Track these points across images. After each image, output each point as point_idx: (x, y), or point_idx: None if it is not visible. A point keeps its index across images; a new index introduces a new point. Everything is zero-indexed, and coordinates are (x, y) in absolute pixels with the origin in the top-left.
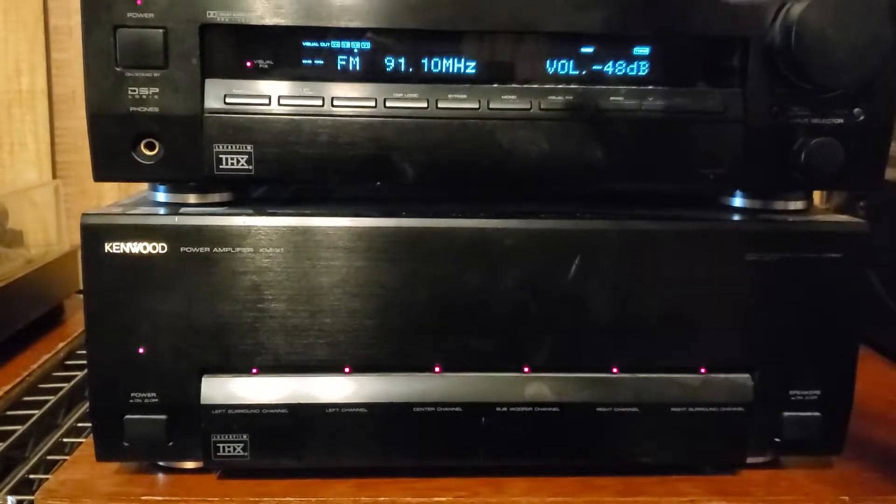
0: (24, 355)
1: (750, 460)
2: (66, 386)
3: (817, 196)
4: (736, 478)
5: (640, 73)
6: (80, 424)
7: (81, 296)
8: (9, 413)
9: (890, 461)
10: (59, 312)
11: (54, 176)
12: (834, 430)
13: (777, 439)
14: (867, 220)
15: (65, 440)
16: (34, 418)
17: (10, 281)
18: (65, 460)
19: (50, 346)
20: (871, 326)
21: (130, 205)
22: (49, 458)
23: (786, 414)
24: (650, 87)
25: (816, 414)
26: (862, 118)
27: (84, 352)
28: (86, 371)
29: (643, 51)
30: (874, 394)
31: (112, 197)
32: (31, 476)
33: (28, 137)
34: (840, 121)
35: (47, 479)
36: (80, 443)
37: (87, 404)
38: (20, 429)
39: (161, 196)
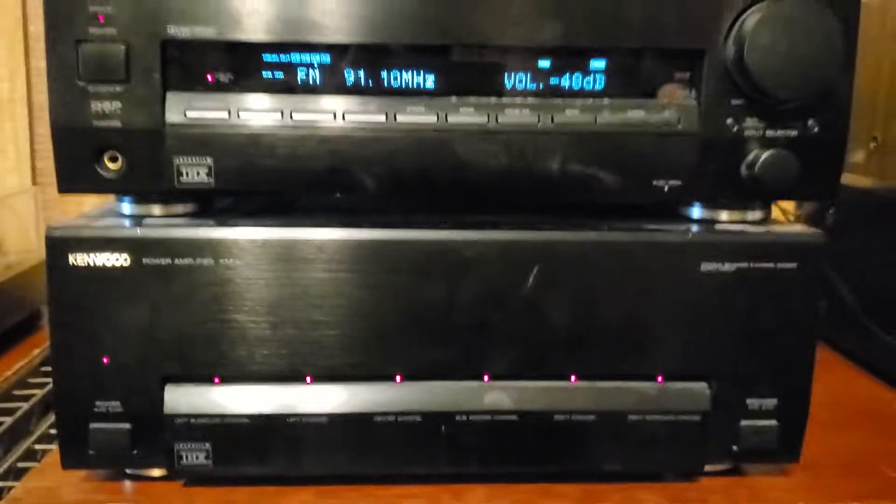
0: (0, 361)
1: (709, 468)
2: (40, 393)
3: (790, 203)
4: (695, 485)
5: (597, 87)
6: (52, 431)
7: None
8: None
9: (848, 467)
10: (36, 317)
11: (34, 182)
12: (791, 438)
13: (735, 447)
14: (836, 225)
15: (36, 447)
16: (6, 425)
17: None
18: (35, 467)
19: (26, 351)
20: (839, 332)
21: (96, 216)
22: (20, 465)
23: (743, 422)
24: (606, 100)
25: (773, 422)
26: (816, 130)
27: None
28: None
29: (599, 64)
30: (839, 400)
31: (92, 203)
32: (1, 484)
33: (8, 144)
34: (794, 133)
35: (14, 486)
36: (51, 450)
37: None
38: None
39: (126, 208)
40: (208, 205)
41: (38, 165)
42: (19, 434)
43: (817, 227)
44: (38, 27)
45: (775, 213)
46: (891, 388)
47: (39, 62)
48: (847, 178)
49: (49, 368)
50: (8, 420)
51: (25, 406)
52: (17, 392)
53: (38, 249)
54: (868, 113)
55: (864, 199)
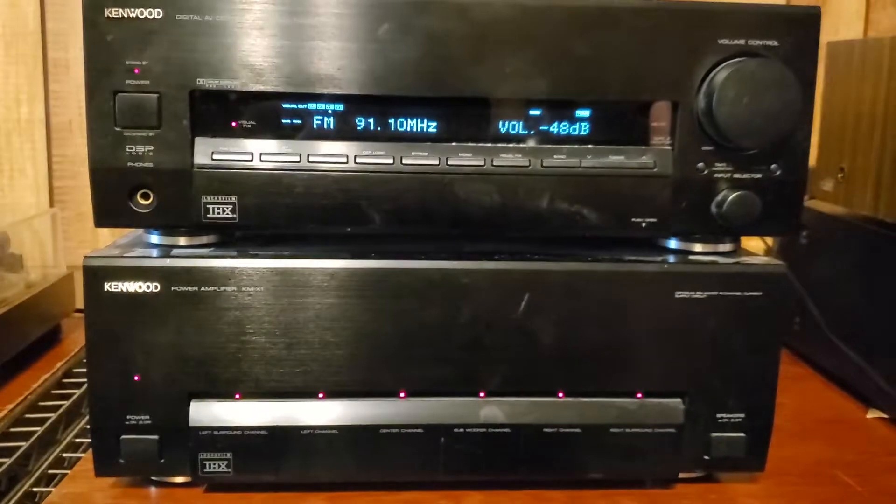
0: (25, 374)
1: (685, 475)
2: (66, 403)
3: None
4: (672, 491)
5: (582, 133)
6: (77, 440)
7: (78, 315)
8: (12, 430)
9: (809, 475)
10: (57, 331)
11: (51, 200)
12: (757, 449)
13: (707, 457)
14: (808, 248)
15: (64, 455)
16: (36, 435)
17: (15, 305)
18: (65, 474)
19: (49, 364)
20: (810, 347)
21: (126, 246)
22: (50, 472)
23: (713, 434)
24: (590, 145)
25: (741, 434)
26: (778, 173)
27: (81, 370)
28: (83, 389)
29: (584, 113)
30: (806, 411)
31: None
32: (34, 489)
33: (27, 164)
34: (759, 175)
35: (49, 491)
36: (79, 458)
37: (84, 421)
38: (24, 445)
39: (154, 238)
40: (229, 236)
41: (56, 185)
42: (47, 443)
43: (792, 248)
44: (56, 54)
45: (754, 239)
46: (854, 400)
47: (57, 86)
48: (818, 205)
49: (72, 381)
50: (38, 430)
51: (53, 416)
52: (42, 403)
53: (55, 266)
54: (836, 146)
55: (832, 224)
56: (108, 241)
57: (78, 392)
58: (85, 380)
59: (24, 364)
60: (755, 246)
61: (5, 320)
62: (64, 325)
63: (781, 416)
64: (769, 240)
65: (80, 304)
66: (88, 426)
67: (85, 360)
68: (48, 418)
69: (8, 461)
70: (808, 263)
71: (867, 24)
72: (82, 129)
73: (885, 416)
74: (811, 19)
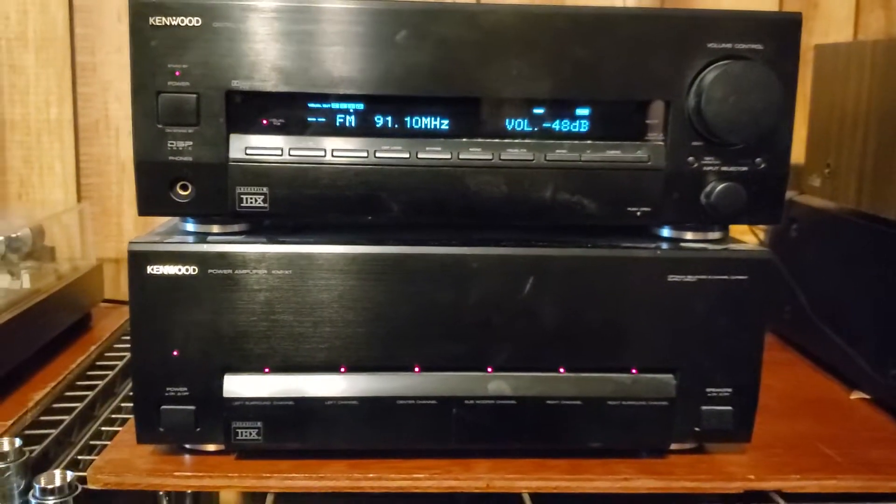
0: (61, 357)
1: (677, 447)
2: (101, 383)
3: None
4: (665, 461)
5: (581, 130)
6: (113, 416)
7: (106, 304)
8: (55, 406)
9: (793, 447)
10: (87, 319)
11: (79, 196)
12: (744, 421)
13: (697, 429)
14: (798, 239)
15: (102, 429)
16: (77, 410)
17: (50, 294)
18: (104, 445)
19: (82, 348)
20: (798, 333)
21: (165, 233)
22: (91, 442)
23: (703, 408)
24: (589, 141)
25: (729, 408)
26: (763, 166)
27: (112, 354)
28: (115, 370)
29: (584, 112)
30: (792, 393)
31: (130, 215)
32: (78, 457)
33: (56, 162)
34: (745, 168)
35: (93, 459)
36: (116, 431)
37: (118, 399)
38: (67, 419)
39: (189, 226)
40: (258, 224)
41: (83, 181)
42: (87, 418)
43: (783, 240)
44: (84, 57)
45: (744, 229)
46: (839, 383)
47: (85, 89)
48: (807, 200)
49: (104, 363)
50: (79, 405)
51: (91, 394)
52: (79, 383)
53: (84, 258)
54: (823, 143)
55: (819, 217)
56: (132, 235)
57: (111, 373)
58: (117, 362)
59: (59, 349)
60: (749, 241)
61: (41, 308)
62: (94, 314)
63: (770, 397)
64: (760, 233)
65: (108, 294)
66: (122, 403)
67: (115, 345)
68: (86, 395)
69: (55, 432)
70: (798, 255)
71: (857, 27)
72: (108, 129)
73: (868, 396)
74: (793, 24)
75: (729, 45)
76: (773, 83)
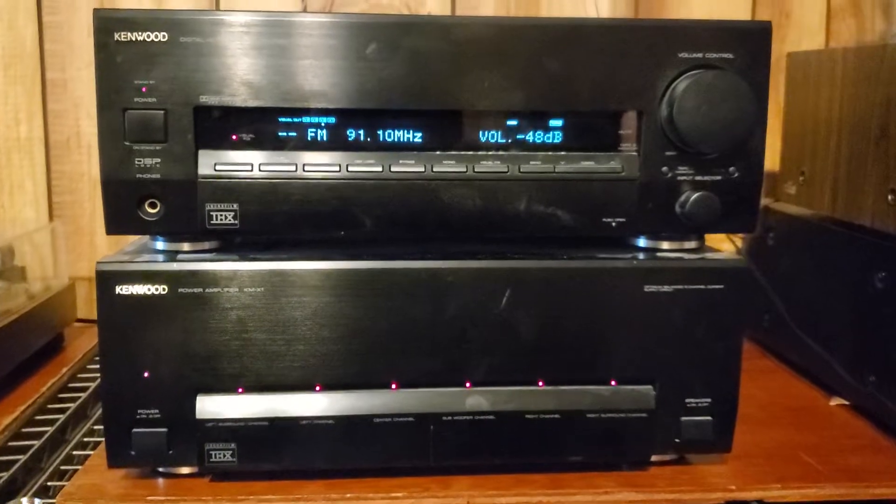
0: (32, 380)
1: (658, 458)
2: (72, 406)
3: None
4: (645, 473)
5: (555, 141)
6: (85, 439)
7: (79, 324)
8: (24, 430)
9: (774, 457)
10: (60, 340)
11: (50, 215)
12: (724, 432)
13: (677, 440)
14: (774, 247)
15: (73, 453)
16: (48, 434)
17: (20, 315)
18: (76, 469)
19: (54, 370)
20: (777, 341)
21: (134, 252)
22: (62, 468)
23: (683, 418)
24: (563, 152)
25: (708, 418)
26: (736, 175)
27: (85, 375)
28: (88, 392)
29: (557, 123)
30: (773, 401)
31: (104, 234)
32: (49, 483)
33: (26, 180)
34: (718, 178)
35: (63, 485)
36: (88, 455)
37: (90, 422)
38: (36, 443)
39: (159, 245)
40: (230, 242)
41: (55, 200)
42: (58, 442)
43: (760, 248)
44: (54, 74)
45: (722, 238)
46: (819, 390)
47: (56, 105)
48: (783, 207)
49: (77, 385)
50: (49, 429)
51: (62, 417)
52: (51, 406)
53: (56, 278)
54: (797, 151)
55: (795, 224)
56: (105, 253)
57: (83, 395)
58: (89, 384)
59: (30, 371)
60: (727, 249)
61: (11, 330)
62: (66, 334)
63: (751, 405)
64: (738, 242)
65: (81, 313)
66: (95, 426)
67: (88, 366)
68: (57, 419)
69: (23, 458)
70: (775, 263)
71: (828, 35)
72: (80, 146)
73: (847, 402)
74: (763, 33)
75: (700, 55)
76: (744, 92)
